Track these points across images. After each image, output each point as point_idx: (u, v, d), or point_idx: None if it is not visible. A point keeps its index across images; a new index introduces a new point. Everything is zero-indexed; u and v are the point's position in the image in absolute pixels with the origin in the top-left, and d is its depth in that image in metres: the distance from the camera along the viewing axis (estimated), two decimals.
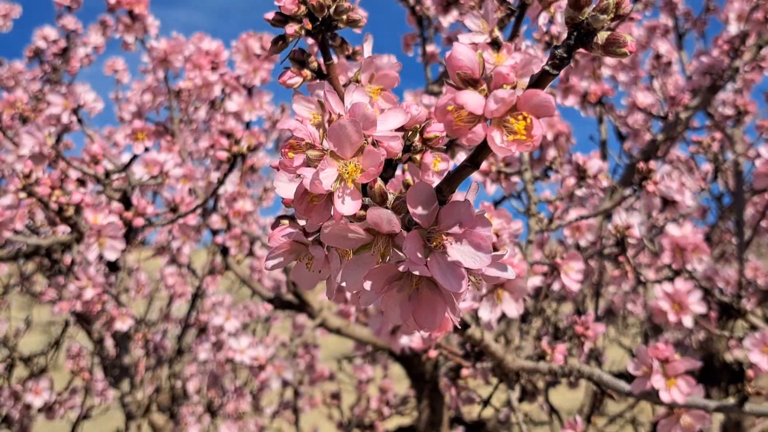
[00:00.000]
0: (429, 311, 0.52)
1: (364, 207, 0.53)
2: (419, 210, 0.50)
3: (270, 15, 0.80)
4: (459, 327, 1.33)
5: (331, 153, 0.52)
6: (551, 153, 2.35)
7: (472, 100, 0.44)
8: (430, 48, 2.95)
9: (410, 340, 1.52)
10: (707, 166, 4.63)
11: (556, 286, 1.56)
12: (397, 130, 0.63)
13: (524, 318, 2.41)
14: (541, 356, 1.57)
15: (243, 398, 5.71)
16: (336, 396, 6.03)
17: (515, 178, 1.62)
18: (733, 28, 2.44)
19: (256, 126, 2.86)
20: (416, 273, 0.49)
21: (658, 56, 3.75)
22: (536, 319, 2.29)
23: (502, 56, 1.05)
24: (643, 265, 3.85)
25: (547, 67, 0.45)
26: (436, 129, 0.66)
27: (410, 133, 0.65)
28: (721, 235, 4.87)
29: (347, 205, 0.51)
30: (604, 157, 2.80)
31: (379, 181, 0.52)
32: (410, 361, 2.81)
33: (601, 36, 0.44)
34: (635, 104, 2.80)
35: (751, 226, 2.03)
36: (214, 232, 2.63)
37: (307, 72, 0.82)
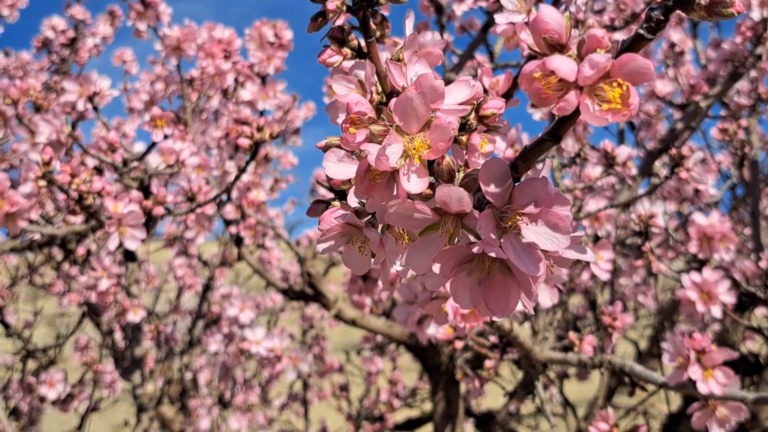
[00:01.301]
0: (502, 296, 0.49)
1: (431, 185, 0.50)
2: (492, 188, 0.47)
3: None
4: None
5: (395, 128, 0.48)
6: (568, 142, 2.32)
7: (564, 65, 0.40)
8: (446, 36, 2.90)
9: (437, 330, 1.49)
10: (720, 157, 4.59)
11: (585, 276, 1.53)
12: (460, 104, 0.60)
13: (536, 310, 2.38)
14: (569, 347, 1.54)
15: (252, 390, 5.70)
16: (344, 388, 6.01)
17: (540, 165, 1.59)
18: (756, 15, 2.39)
19: (269, 116, 2.83)
20: (492, 255, 0.45)
21: (672, 45, 3.70)
22: (558, 310, 2.26)
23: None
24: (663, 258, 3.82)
25: (641, 31, 0.42)
26: (493, 106, 0.63)
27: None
28: (734, 226, 4.83)
29: (414, 183, 0.48)
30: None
31: (448, 158, 0.49)
32: (425, 352, 2.78)
33: None
34: (654, 92, 2.76)
35: (751, 221, 2.00)
36: (228, 223, 2.60)
37: (347, 50, 0.78)
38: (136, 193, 1.55)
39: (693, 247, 1.75)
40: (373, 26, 0.82)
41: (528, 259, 0.46)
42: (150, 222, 1.47)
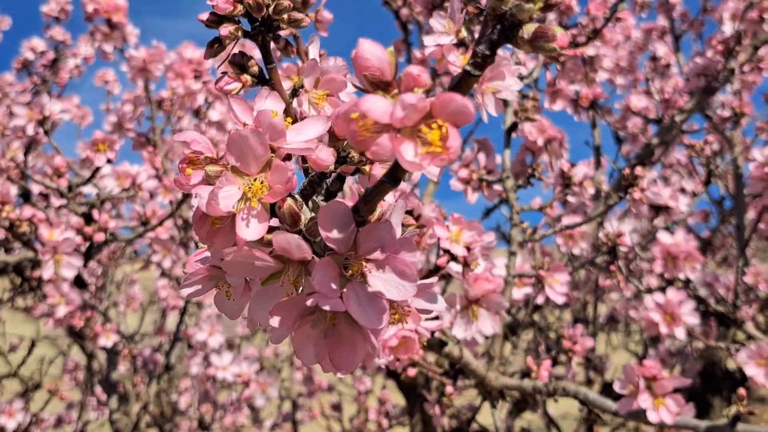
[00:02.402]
0: (348, 350, 0.45)
1: (275, 230, 0.46)
2: (334, 233, 0.43)
3: (204, 16, 0.73)
4: (431, 344, 1.26)
5: (232, 168, 0.45)
6: (545, 159, 2.28)
7: (376, 106, 0.37)
8: (418, 53, 2.87)
9: (386, 359, 1.46)
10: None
11: (540, 299, 1.49)
12: (332, 138, 0.57)
13: (514, 331, 2.34)
14: (527, 373, 1.50)
15: (240, 411, 5.64)
16: (337, 407, 5.95)
17: (498, 186, 1.55)
18: (728, 28, 2.37)
19: None
20: (326, 308, 0.42)
21: (654, 58, 3.68)
22: (527, 332, 2.22)
23: (468, 58, 0.98)
24: (645, 272, 3.78)
25: (468, 68, 0.38)
26: None
27: (346, 142, 0.58)
28: (723, 239, 4.79)
29: (251, 229, 0.44)
30: (598, 162, 2.73)
31: (290, 200, 0.45)
32: (400, 374, 2.74)
33: (527, 29, 0.37)
34: (629, 108, 2.73)
35: (749, 230, 1.95)
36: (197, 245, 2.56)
37: (246, 77, 0.75)
38: (75, 220, 1.51)
39: (658, 267, 1.72)
40: (278, 51, 0.79)
41: (372, 310, 0.42)
42: (92, 248, 1.43)
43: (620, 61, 4.09)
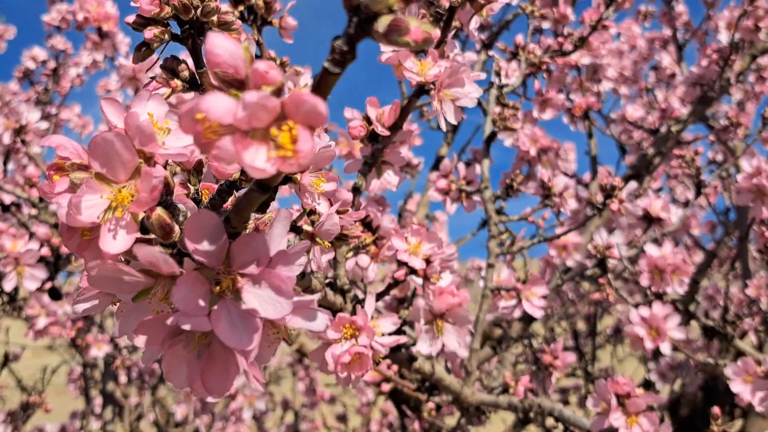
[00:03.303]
0: (221, 372, 0.42)
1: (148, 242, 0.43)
2: (204, 245, 0.40)
3: (131, 18, 0.70)
4: (399, 359, 1.23)
5: (97, 176, 0.42)
6: (541, 170, 2.25)
7: (216, 105, 0.34)
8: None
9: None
10: (715, 182, 4.49)
11: (516, 313, 1.45)
12: None
13: (505, 346, 2.30)
14: (506, 389, 1.46)
15: (242, 423, 5.61)
16: (342, 418, 5.91)
17: (477, 197, 1.52)
18: (724, 37, 2.33)
19: None
20: (186, 327, 0.39)
21: (655, 68, 3.64)
22: (516, 346, 2.18)
23: (427, 64, 0.95)
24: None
25: (326, 65, 0.35)
26: None
27: None
28: (729, 251, 4.72)
29: (117, 242, 0.41)
30: (594, 172, 2.69)
31: (159, 210, 0.42)
32: (394, 388, 2.70)
33: (382, 22, 0.34)
34: (625, 117, 2.69)
35: (738, 247, 1.91)
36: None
37: (177, 82, 0.72)
38: (43, 231, 1.49)
39: (644, 280, 1.67)
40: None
41: (243, 330, 0.39)
42: (59, 260, 1.41)
43: (624, 70, 4.06)
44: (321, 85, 0.36)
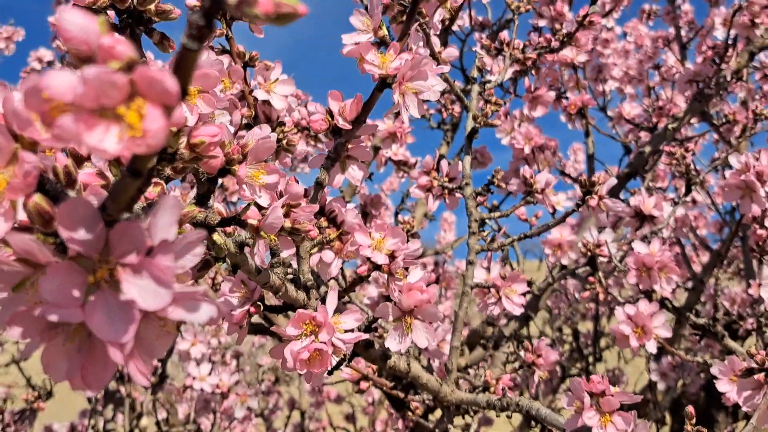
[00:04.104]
0: (100, 365, 0.41)
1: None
2: (79, 233, 0.39)
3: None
4: (373, 356, 1.22)
5: None
6: (523, 167, 2.23)
7: (56, 81, 0.32)
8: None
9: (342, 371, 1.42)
10: (721, 182, 4.45)
11: (496, 311, 1.44)
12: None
13: (496, 343, 2.28)
14: (487, 388, 1.45)
15: (249, 422, 5.61)
16: (349, 418, 5.91)
17: (459, 194, 1.51)
18: (720, 34, 2.30)
19: None
20: (53, 319, 0.37)
21: (658, 67, 3.62)
22: (508, 345, 2.16)
23: (389, 57, 0.94)
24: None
25: (184, 41, 0.34)
26: (205, 133, 0.55)
27: (173, 136, 0.54)
28: (736, 251, 4.68)
29: None
30: (591, 170, 2.67)
31: (37, 198, 0.41)
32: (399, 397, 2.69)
33: None
34: (622, 115, 2.66)
35: (725, 245, 1.88)
36: None
37: None
38: None
39: (632, 278, 1.65)
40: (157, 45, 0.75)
41: (119, 320, 0.38)
42: None
43: (630, 69, 4.03)
44: (181, 63, 0.34)
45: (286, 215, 0.83)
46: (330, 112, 0.97)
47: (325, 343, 0.90)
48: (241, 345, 1.26)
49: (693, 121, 4.02)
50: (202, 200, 0.69)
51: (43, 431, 4.82)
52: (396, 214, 2.93)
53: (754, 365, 1.15)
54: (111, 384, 3.30)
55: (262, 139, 0.65)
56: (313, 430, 5.92)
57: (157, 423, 3.21)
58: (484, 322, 2.23)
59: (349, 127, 0.95)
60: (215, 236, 0.67)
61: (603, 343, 5.56)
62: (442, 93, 2.46)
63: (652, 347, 1.53)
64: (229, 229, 0.78)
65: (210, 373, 2.21)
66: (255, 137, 0.67)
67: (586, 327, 5.85)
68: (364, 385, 1.38)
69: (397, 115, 2.53)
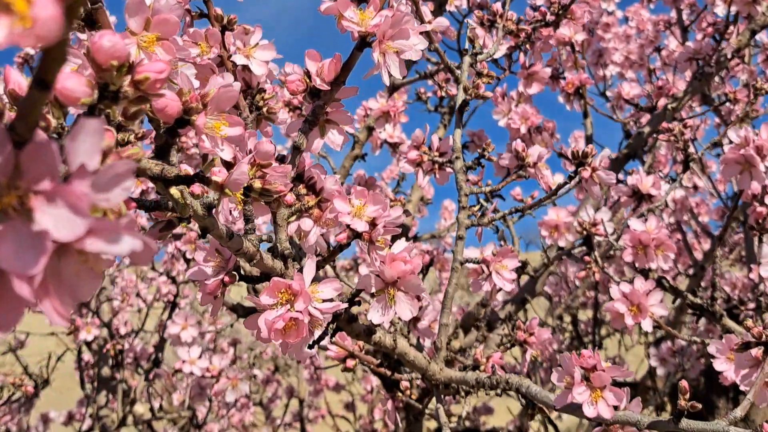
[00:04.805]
0: (10, 303, 0.37)
1: None
2: None
3: None
4: (357, 331, 1.18)
5: None
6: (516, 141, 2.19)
7: None
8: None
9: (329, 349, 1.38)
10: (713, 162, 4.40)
11: (486, 287, 1.40)
12: (97, 68, 0.49)
13: (491, 326, 2.25)
14: (477, 366, 1.41)
15: (247, 410, 5.60)
16: (349, 407, 5.89)
17: (449, 169, 1.47)
18: (720, 11, 2.25)
19: None
20: None
21: (658, 49, 3.57)
22: (503, 327, 2.12)
23: (368, 14, 0.90)
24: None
25: None
26: (151, 69, 0.51)
27: (115, 73, 0.50)
28: (739, 239, 4.64)
29: None
30: None
31: None
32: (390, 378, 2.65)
33: None
34: (621, 95, 2.62)
35: (724, 228, 1.83)
36: (175, 237, 2.50)
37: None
38: None
39: (628, 256, 1.61)
40: None
41: (29, 251, 0.34)
42: None
43: (631, 54, 3.99)
44: None
45: (260, 177, 0.79)
46: (308, 73, 0.93)
47: (300, 312, 0.87)
48: (215, 317, 1.23)
49: (695, 106, 3.97)
50: (161, 153, 0.65)
51: (40, 419, 4.80)
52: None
53: (751, 339, 1.11)
54: (105, 371, 3.27)
55: (224, 88, 0.61)
56: (312, 418, 5.90)
57: (151, 409, 3.18)
58: (479, 304, 2.19)
59: (327, 88, 0.91)
60: (173, 190, 0.63)
61: (603, 331, 5.53)
62: (436, 72, 2.42)
63: (647, 326, 1.49)
64: (197, 191, 0.74)
65: (200, 357, 2.18)
66: (216, 85, 0.63)
67: (586, 315, 5.82)
68: (350, 363, 1.34)
69: (394, 90, 2.49)
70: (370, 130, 2.42)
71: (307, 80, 0.92)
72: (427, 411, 1.86)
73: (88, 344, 3.77)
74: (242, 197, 0.80)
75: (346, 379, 5.80)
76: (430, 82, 3.00)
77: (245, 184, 0.69)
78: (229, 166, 0.73)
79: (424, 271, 2.57)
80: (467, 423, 5.49)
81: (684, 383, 1.04)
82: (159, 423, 4.05)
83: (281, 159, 0.93)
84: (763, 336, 1.08)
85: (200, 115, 0.61)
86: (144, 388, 3.12)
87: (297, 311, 0.87)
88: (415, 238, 3.23)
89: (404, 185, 2.92)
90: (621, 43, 3.94)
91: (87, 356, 5.05)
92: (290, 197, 0.88)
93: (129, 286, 4.04)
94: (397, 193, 2.94)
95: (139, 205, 0.73)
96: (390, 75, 0.91)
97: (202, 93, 0.63)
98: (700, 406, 1.03)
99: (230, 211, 0.90)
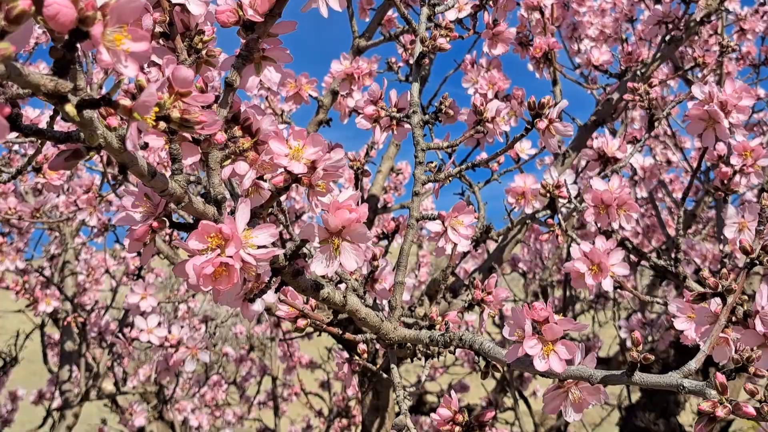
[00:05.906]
0: None
1: None
2: None
3: None
4: (303, 286, 1.13)
5: None
6: (474, 95, 2.15)
7: None
8: None
9: (277, 308, 1.33)
10: (697, 143, 4.39)
11: (441, 243, 1.36)
12: None
13: (455, 292, 2.21)
14: (432, 326, 1.37)
15: (220, 388, 5.55)
16: (324, 385, 5.86)
17: (407, 125, 1.42)
18: None
19: None
20: None
21: (631, 20, 3.54)
22: (468, 293, 2.08)
23: None
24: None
25: None
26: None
27: None
28: (708, 211, 4.64)
29: None
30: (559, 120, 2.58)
31: None
32: (349, 341, 2.61)
33: None
34: (590, 61, 2.58)
35: (687, 188, 1.79)
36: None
37: None
38: None
39: (589, 215, 1.58)
40: None
41: None
42: None
43: (605, 28, 3.95)
44: None
45: (181, 109, 0.74)
46: (240, 4, 0.87)
47: (231, 257, 0.82)
48: (146, 263, 1.18)
49: (671, 83, 3.95)
50: (59, 70, 0.60)
51: (8, 396, 4.73)
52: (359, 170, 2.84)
53: (708, 291, 1.07)
54: (69, 345, 3.21)
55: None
56: (286, 396, 5.88)
57: (116, 383, 3.13)
58: (443, 270, 2.15)
59: (261, 20, 0.86)
60: (68, 107, 0.58)
61: (578, 307, 5.53)
62: (401, 32, 2.37)
63: (608, 285, 1.46)
64: (114, 123, 0.69)
65: (158, 325, 2.12)
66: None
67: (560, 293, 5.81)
68: (301, 322, 1.30)
69: (359, 53, 2.43)
70: (334, 94, 2.37)
71: (240, 11, 0.87)
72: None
73: (55, 320, 3.71)
74: (166, 133, 0.76)
75: (321, 357, 5.77)
76: (400, 50, 2.94)
77: (157, 110, 0.65)
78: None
79: (390, 237, 2.53)
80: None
81: (636, 334, 1.00)
82: (125, 399, 4.00)
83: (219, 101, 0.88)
84: (719, 286, 1.04)
85: (97, 24, 0.56)
86: (107, 362, 3.06)
87: (228, 256, 0.82)
88: (385, 209, 3.19)
89: (370, 141, 2.85)
90: (596, 17, 3.90)
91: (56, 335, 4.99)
92: (221, 136, 0.83)
93: (99, 264, 3.97)
94: (367, 163, 2.89)
95: (48, 136, 0.68)
96: (328, 6, 0.86)
97: (102, 2, 0.58)
98: (652, 357, 0.99)
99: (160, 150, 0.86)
